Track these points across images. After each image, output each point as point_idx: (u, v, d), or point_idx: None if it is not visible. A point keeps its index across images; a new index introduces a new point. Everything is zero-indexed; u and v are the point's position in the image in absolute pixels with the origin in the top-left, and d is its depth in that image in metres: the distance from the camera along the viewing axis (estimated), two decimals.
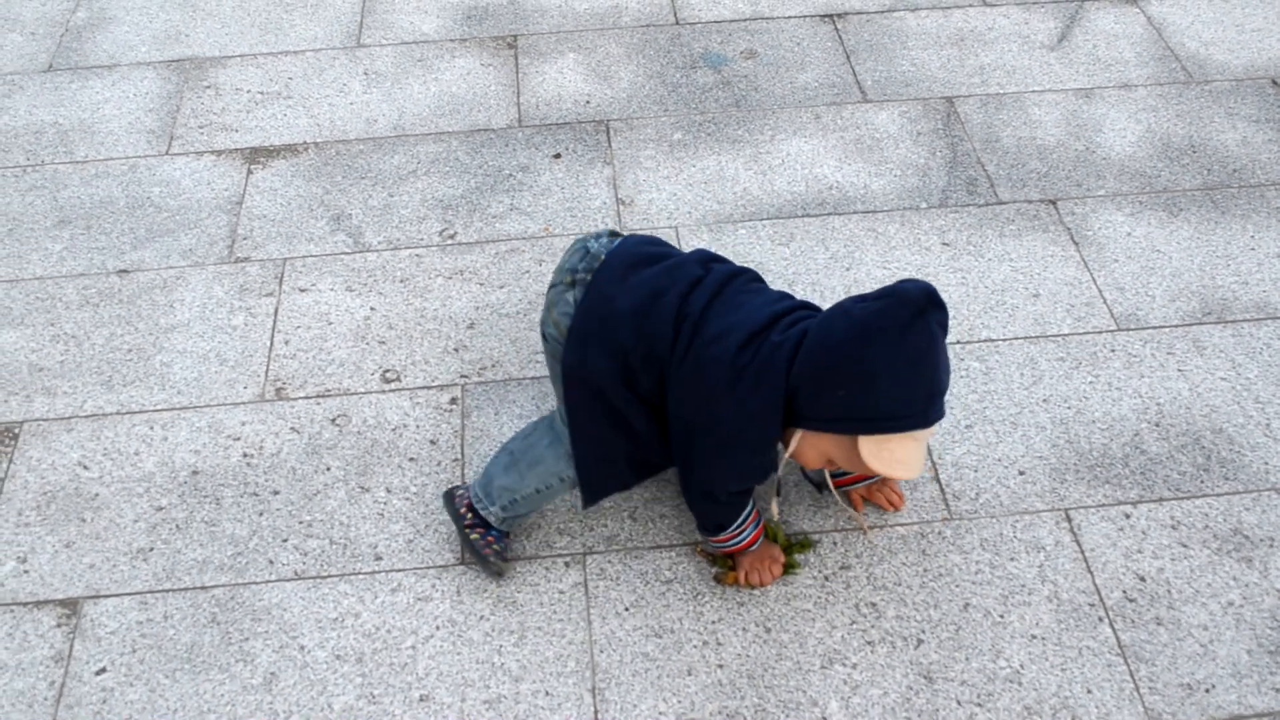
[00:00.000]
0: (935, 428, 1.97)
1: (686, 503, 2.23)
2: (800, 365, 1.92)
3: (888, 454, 1.92)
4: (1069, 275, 2.82)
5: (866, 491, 2.37)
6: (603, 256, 2.12)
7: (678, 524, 2.34)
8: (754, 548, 2.22)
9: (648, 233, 2.92)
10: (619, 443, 2.12)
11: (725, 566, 2.26)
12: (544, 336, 2.21)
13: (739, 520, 2.18)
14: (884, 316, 1.87)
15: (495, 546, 2.24)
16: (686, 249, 2.80)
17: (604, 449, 2.14)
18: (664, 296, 2.04)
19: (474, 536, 2.24)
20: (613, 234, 2.19)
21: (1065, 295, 2.77)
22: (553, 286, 2.16)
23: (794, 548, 2.29)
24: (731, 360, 1.95)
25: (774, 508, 2.22)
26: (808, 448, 2.02)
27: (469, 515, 2.26)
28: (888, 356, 1.86)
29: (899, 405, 1.90)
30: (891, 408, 1.90)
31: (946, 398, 1.97)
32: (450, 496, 2.30)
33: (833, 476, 2.30)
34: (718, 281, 2.07)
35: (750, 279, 2.14)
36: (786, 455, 2.05)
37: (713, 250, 2.31)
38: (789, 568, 2.26)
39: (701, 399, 2.00)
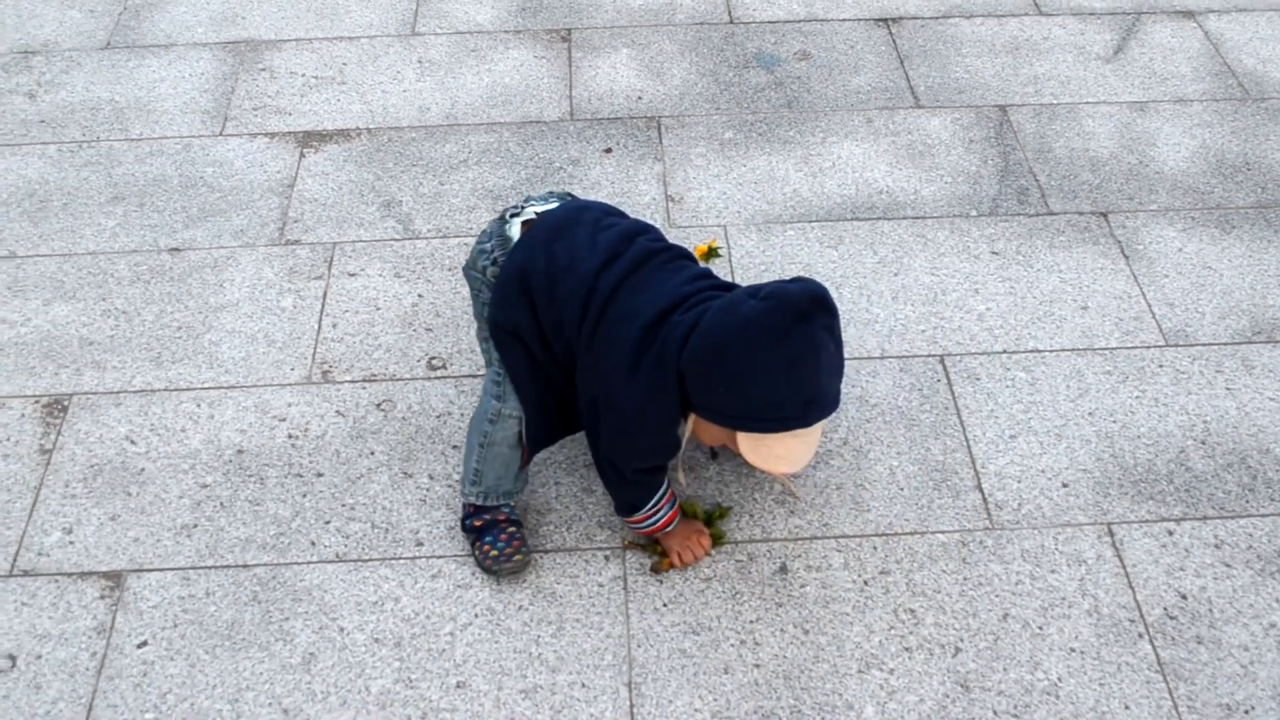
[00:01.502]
0: (821, 425, 1.97)
1: (601, 482, 2.25)
2: (687, 353, 1.93)
3: (765, 450, 1.95)
4: (1118, 289, 2.81)
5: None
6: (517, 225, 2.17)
7: (718, 521, 2.34)
8: (672, 527, 2.23)
9: (694, 229, 2.92)
10: (550, 392, 2.18)
11: (656, 553, 2.28)
12: (470, 282, 2.25)
13: (653, 500, 2.19)
14: (766, 318, 1.87)
15: (493, 552, 2.24)
16: (736, 250, 2.82)
17: (535, 394, 2.18)
18: (580, 267, 2.06)
19: (476, 554, 2.26)
20: (560, 196, 2.25)
21: (1114, 309, 2.76)
22: (480, 244, 2.21)
23: (713, 517, 2.33)
24: (636, 342, 1.97)
25: (680, 477, 2.28)
26: (702, 429, 2.07)
27: (467, 521, 2.29)
28: (765, 359, 1.86)
29: (774, 408, 1.91)
30: (766, 409, 1.91)
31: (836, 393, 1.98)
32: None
33: None
34: (636, 258, 2.08)
35: (674, 256, 2.14)
36: (688, 432, 2.08)
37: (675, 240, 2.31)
38: (716, 539, 2.29)
39: (604, 377, 2.02)
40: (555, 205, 2.19)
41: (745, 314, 1.89)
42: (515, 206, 2.21)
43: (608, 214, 2.20)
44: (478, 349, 2.65)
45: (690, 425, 2.07)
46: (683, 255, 2.17)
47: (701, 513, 2.33)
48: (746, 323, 1.88)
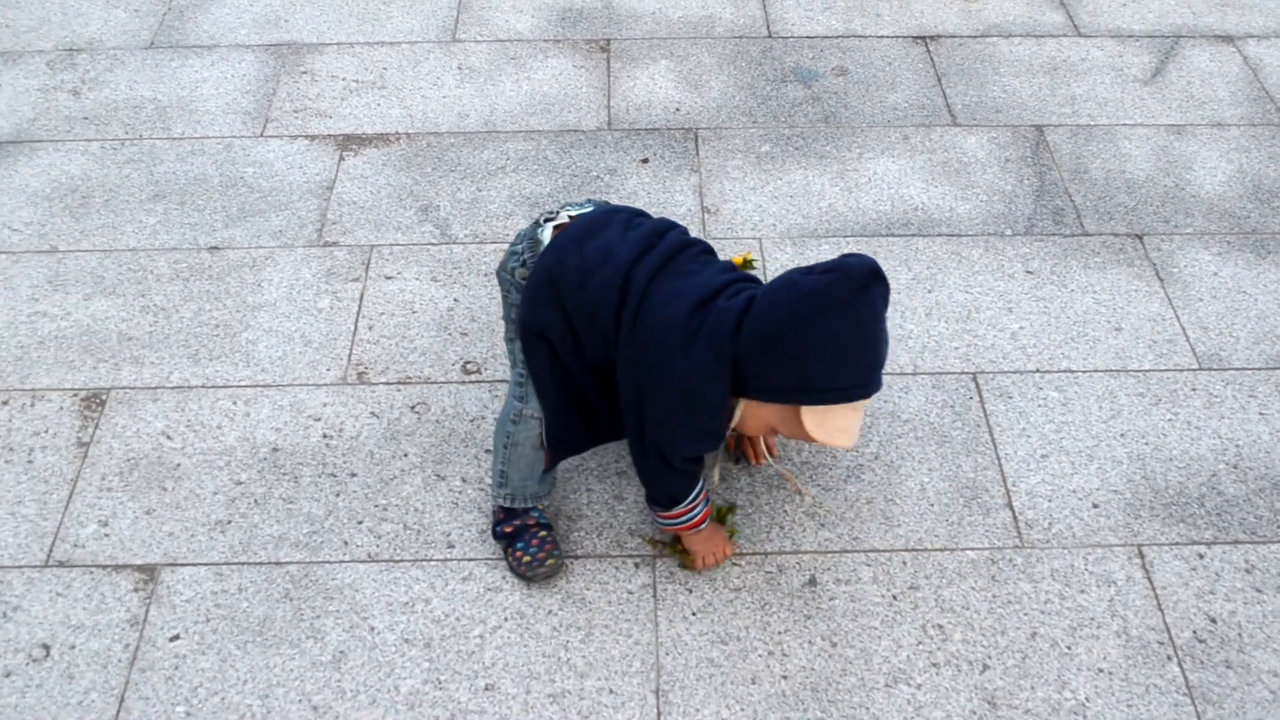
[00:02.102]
0: (874, 397, 2.02)
1: (639, 476, 2.23)
2: (746, 334, 1.95)
3: (830, 423, 1.96)
4: (1152, 311, 2.81)
5: (741, 442, 2.47)
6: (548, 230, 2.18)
7: (748, 533, 2.35)
8: (703, 527, 2.24)
9: (729, 241, 2.94)
10: (573, 395, 2.19)
11: (676, 552, 2.29)
12: (502, 284, 2.27)
13: (693, 494, 2.19)
14: (829, 290, 1.89)
15: (526, 558, 2.26)
16: (770, 263, 2.83)
17: (557, 397, 2.19)
18: (612, 261, 2.08)
19: (509, 559, 2.28)
20: (596, 203, 2.27)
21: (1148, 331, 2.76)
22: (512, 250, 2.23)
23: (724, 513, 2.35)
24: (684, 323, 1.99)
25: (715, 476, 2.29)
26: (749, 417, 2.07)
27: (498, 528, 2.30)
28: (832, 330, 1.89)
29: (841, 377, 1.93)
30: (834, 379, 1.93)
31: None
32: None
33: None
34: (667, 250, 2.10)
35: (701, 250, 2.16)
36: (732, 425, 2.09)
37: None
38: (729, 534, 2.33)
39: (655, 360, 2.02)
40: (589, 210, 2.21)
41: (807, 288, 1.91)
42: (549, 212, 2.23)
43: (637, 215, 2.22)
44: None
45: (737, 415, 2.07)
46: (709, 250, 2.19)
47: (715, 510, 2.34)
48: (810, 296, 1.90)
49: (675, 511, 2.20)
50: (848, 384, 1.94)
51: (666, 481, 2.18)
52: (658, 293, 2.04)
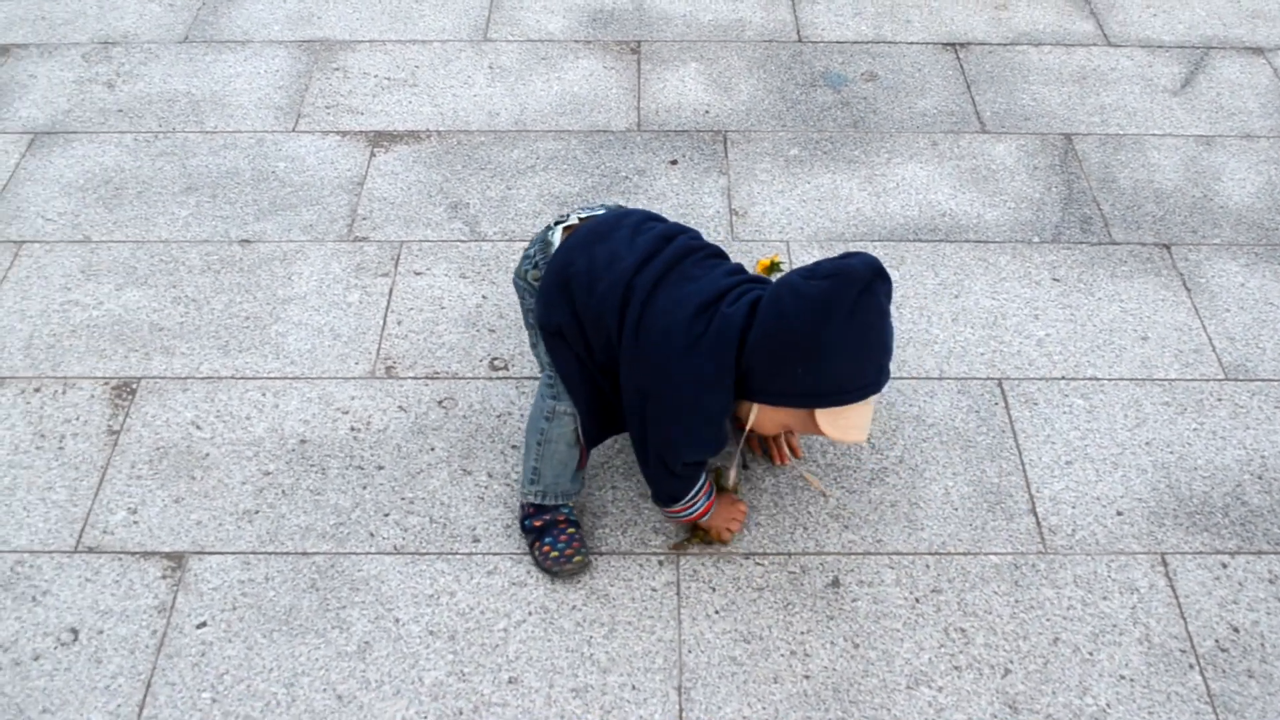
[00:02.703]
0: (898, 401, 2.10)
1: (642, 473, 2.25)
2: (754, 344, 1.98)
3: (844, 421, 2.00)
4: (1179, 321, 2.81)
5: (765, 443, 2.49)
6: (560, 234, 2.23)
7: (772, 533, 2.36)
8: (709, 515, 2.28)
9: (756, 244, 2.95)
10: (598, 389, 2.21)
11: (698, 538, 2.33)
12: (518, 290, 2.32)
13: (691, 492, 2.22)
14: (834, 295, 1.92)
15: (553, 553, 2.27)
16: (797, 264, 2.83)
17: (586, 392, 2.21)
18: (617, 265, 2.11)
19: (536, 554, 2.29)
20: (609, 208, 2.31)
21: (1174, 340, 2.76)
22: (527, 256, 2.27)
23: (719, 478, 2.37)
24: (686, 328, 2.01)
25: (733, 475, 2.34)
26: (765, 419, 2.12)
27: (527, 522, 2.32)
28: (839, 334, 1.93)
29: (852, 378, 1.97)
30: (845, 381, 1.97)
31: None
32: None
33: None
34: (673, 256, 2.12)
35: (709, 254, 2.18)
36: (748, 428, 2.14)
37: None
38: (734, 491, 2.38)
39: (656, 367, 2.05)
40: (599, 213, 2.24)
41: (812, 294, 1.94)
42: (561, 215, 2.27)
43: (649, 219, 2.25)
44: None
45: (752, 418, 2.10)
46: (718, 254, 2.21)
47: (723, 476, 2.37)
48: (815, 302, 1.93)
49: (677, 508, 2.24)
50: (859, 384, 1.98)
51: (666, 484, 2.21)
52: (661, 299, 2.06)
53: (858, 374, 1.97)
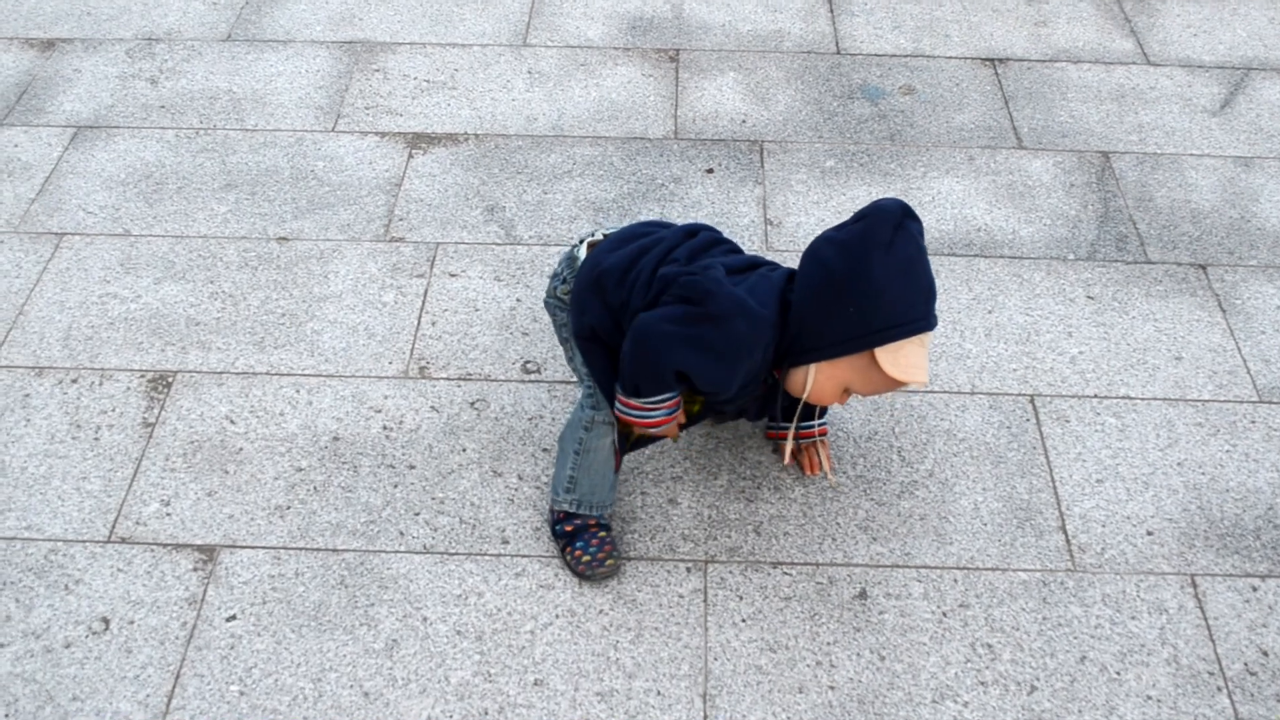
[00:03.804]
0: (934, 332, 2.12)
1: (621, 355, 2.13)
2: (800, 301, 2.02)
3: (905, 360, 2.01)
4: (1214, 342, 2.80)
5: (799, 451, 2.49)
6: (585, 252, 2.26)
7: (801, 543, 2.36)
8: (655, 431, 2.20)
9: (791, 254, 2.95)
10: None
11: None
12: (549, 309, 2.35)
13: (657, 399, 2.13)
14: (870, 232, 1.98)
15: (585, 557, 2.28)
16: None
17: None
18: (647, 254, 2.15)
19: (568, 558, 2.30)
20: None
21: (1208, 361, 2.75)
22: (556, 274, 2.32)
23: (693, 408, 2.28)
24: (724, 274, 2.05)
25: (788, 451, 2.33)
26: (825, 380, 2.10)
27: (558, 526, 2.33)
28: (884, 267, 1.96)
29: (906, 310, 2.00)
30: (899, 314, 1.99)
31: None
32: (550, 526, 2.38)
33: (771, 427, 2.48)
34: (699, 245, 2.17)
35: (731, 248, 2.22)
36: (805, 395, 2.12)
37: None
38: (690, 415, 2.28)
39: (688, 285, 2.04)
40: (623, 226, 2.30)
41: (845, 239, 2.00)
42: (585, 234, 2.31)
43: (668, 224, 2.29)
44: None
45: (809, 386, 2.10)
46: (738, 249, 2.25)
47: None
48: (853, 243, 1.99)
49: (633, 402, 2.14)
50: (912, 316, 2.01)
51: (638, 371, 2.09)
52: (697, 265, 2.11)
53: (909, 305, 2.00)
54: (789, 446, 2.31)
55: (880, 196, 3.10)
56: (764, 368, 2.10)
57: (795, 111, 3.46)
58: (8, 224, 3.04)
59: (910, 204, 3.08)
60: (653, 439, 2.31)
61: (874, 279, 1.96)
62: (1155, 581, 2.31)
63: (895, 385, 2.06)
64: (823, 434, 2.46)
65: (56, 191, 3.14)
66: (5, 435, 2.54)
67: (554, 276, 2.31)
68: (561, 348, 2.39)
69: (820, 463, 2.46)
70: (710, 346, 2.02)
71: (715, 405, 2.27)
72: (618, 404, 2.18)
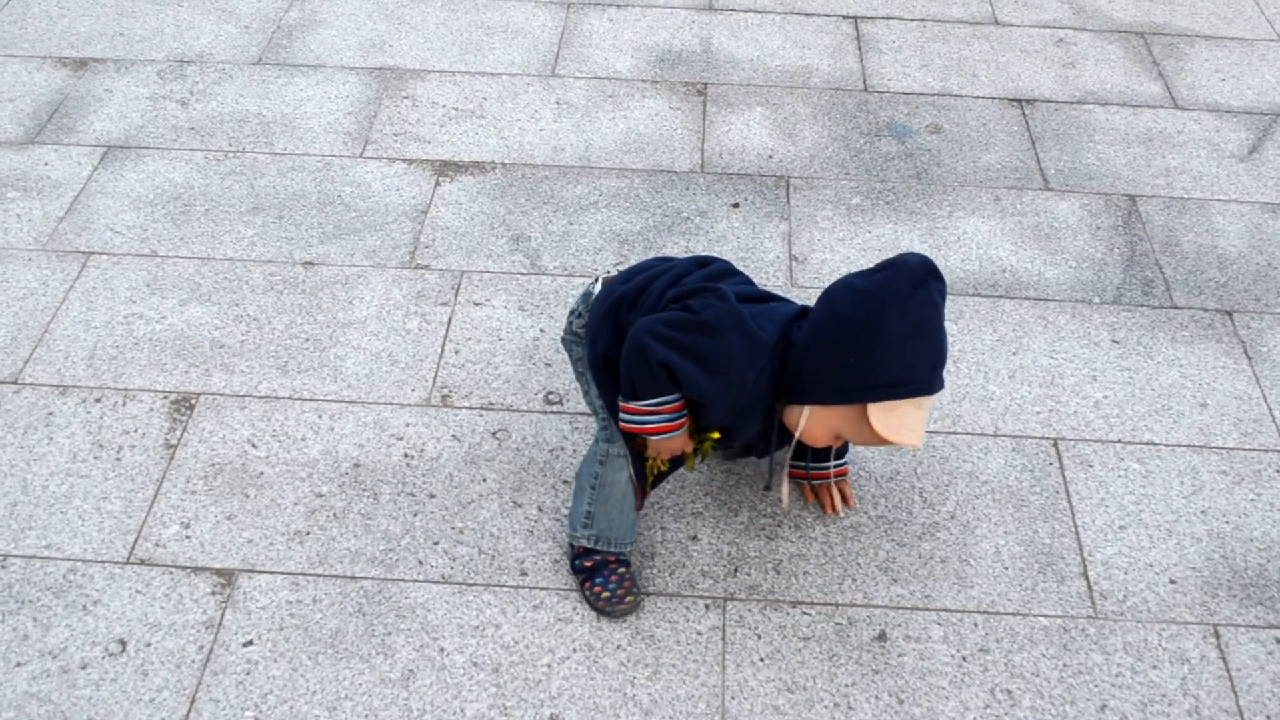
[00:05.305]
0: (935, 397, 2.05)
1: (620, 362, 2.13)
2: (809, 337, 2.00)
3: (896, 420, 1.97)
4: (1239, 389, 2.78)
5: (817, 490, 2.49)
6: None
7: (821, 583, 2.35)
8: (661, 438, 2.15)
9: (815, 290, 2.94)
10: None
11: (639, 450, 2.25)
12: (566, 346, 2.36)
13: (655, 400, 2.10)
14: (888, 286, 1.95)
15: (605, 593, 2.27)
16: None
17: None
18: (658, 279, 2.16)
19: (587, 594, 2.30)
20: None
21: (1234, 408, 2.73)
22: (573, 311, 2.33)
23: (704, 442, 2.23)
24: (735, 301, 2.07)
25: (784, 495, 2.33)
26: (816, 424, 2.07)
27: (577, 561, 2.32)
28: (895, 323, 1.93)
29: (907, 371, 1.96)
30: (900, 373, 1.95)
31: None
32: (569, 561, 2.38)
33: (793, 466, 2.44)
34: (712, 273, 2.18)
35: (744, 280, 2.23)
36: (798, 434, 2.09)
37: None
38: (700, 443, 2.23)
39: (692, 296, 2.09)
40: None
41: (863, 288, 1.97)
42: (601, 271, 2.31)
43: (678, 259, 2.30)
44: None
45: (802, 424, 2.07)
46: (749, 281, 2.26)
47: (697, 440, 2.24)
48: (870, 294, 1.95)
49: (634, 406, 2.12)
50: (913, 378, 1.96)
51: (636, 372, 2.08)
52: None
53: (910, 368, 1.96)
54: (785, 487, 2.33)
55: (906, 235, 3.13)
56: (761, 398, 2.08)
57: (822, 148, 3.47)
58: (36, 242, 3.06)
59: (936, 243, 3.11)
60: (670, 470, 2.29)
61: (881, 334, 1.94)
62: (1177, 631, 2.29)
63: (885, 442, 2.02)
64: (840, 474, 2.46)
65: (85, 210, 3.16)
66: (28, 453, 2.55)
67: (571, 313, 2.32)
68: (579, 382, 2.38)
69: (836, 504, 2.46)
70: (700, 356, 2.02)
71: (724, 439, 2.25)
72: (621, 415, 2.16)
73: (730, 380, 2.04)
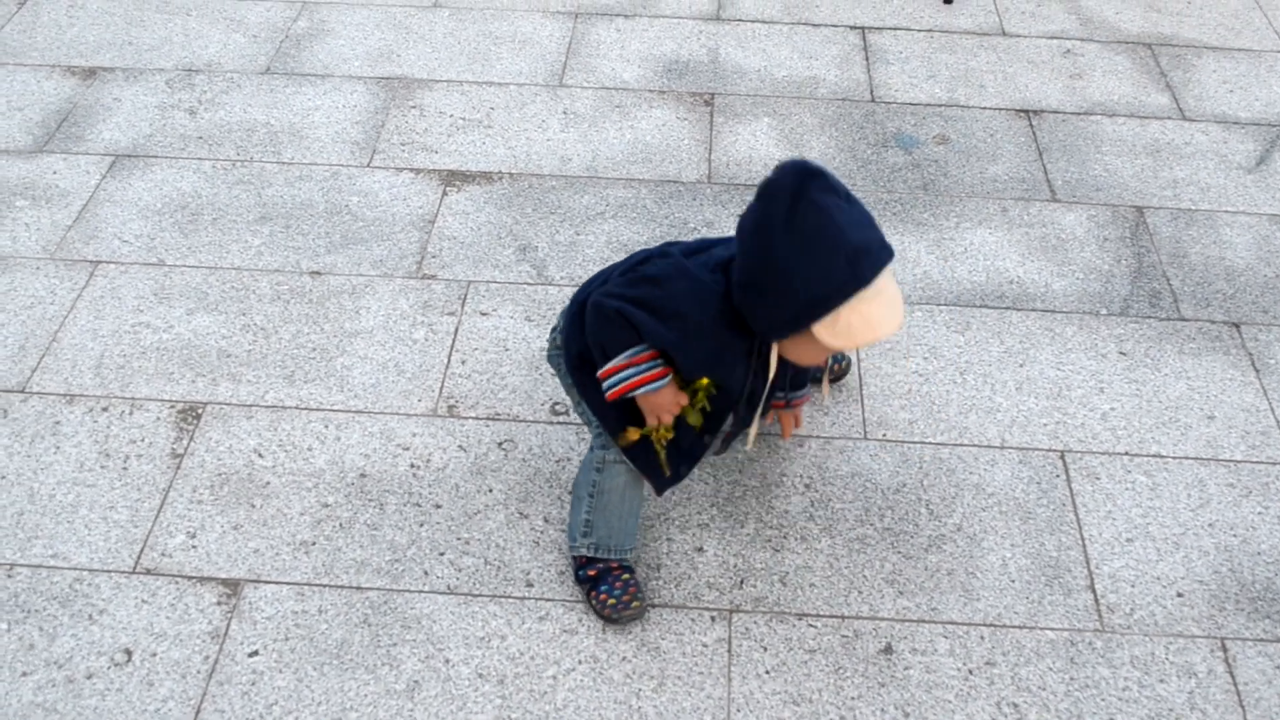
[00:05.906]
0: (886, 274, 1.89)
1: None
2: (734, 284, 1.96)
3: (845, 327, 1.88)
4: (1247, 401, 2.77)
5: (780, 417, 2.51)
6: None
7: (827, 595, 2.34)
8: (648, 388, 2.10)
9: None
10: (636, 410, 2.18)
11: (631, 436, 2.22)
12: (553, 363, 2.34)
13: (624, 355, 2.08)
14: (764, 215, 1.87)
15: (610, 600, 2.27)
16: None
17: (616, 419, 2.20)
18: (618, 267, 2.17)
19: (594, 602, 2.29)
20: None
21: (1241, 421, 2.72)
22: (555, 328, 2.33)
23: (696, 388, 2.17)
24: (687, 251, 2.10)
25: (751, 436, 2.29)
26: (791, 354, 2.03)
27: (581, 572, 2.32)
28: (785, 248, 1.85)
29: (823, 283, 1.85)
30: (818, 289, 1.86)
31: None
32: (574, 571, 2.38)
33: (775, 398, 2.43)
34: (661, 251, 2.15)
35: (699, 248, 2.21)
36: (773, 373, 2.05)
37: None
38: (697, 405, 2.19)
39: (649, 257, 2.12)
40: None
41: (747, 224, 1.92)
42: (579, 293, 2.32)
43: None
44: None
45: (773, 360, 2.05)
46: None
47: (691, 391, 2.19)
48: (753, 230, 1.90)
49: (610, 366, 2.10)
50: (833, 287, 1.86)
51: (602, 331, 2.09)
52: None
53: (825, 277, 1.85)
54: (755, 430, 2.28)
55: (913, 246, 3.12)
56: (733, 342, 2.05)
57: (829, 158, 3.46)
58: (44, 250, 3.06)
59: (943, 255, 3.10)
60: (679, 438, 2.21)
61: (778, 265, 1.87)
62: (1185, 644, 2.29)
63: (862, 344, 1.93)
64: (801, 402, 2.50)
65: (93, 219, 3.17)
66: (35, 462, 2.55)
67: (552, 330, 2.32)
68: (568, 396, 2.34)
69: (791, 428, 2.50)
70: (651, 305, 2.02)
71: (718, 396, 2.19)
72: (605, 386, 2.12)
73: (685, 325, 2.02)
